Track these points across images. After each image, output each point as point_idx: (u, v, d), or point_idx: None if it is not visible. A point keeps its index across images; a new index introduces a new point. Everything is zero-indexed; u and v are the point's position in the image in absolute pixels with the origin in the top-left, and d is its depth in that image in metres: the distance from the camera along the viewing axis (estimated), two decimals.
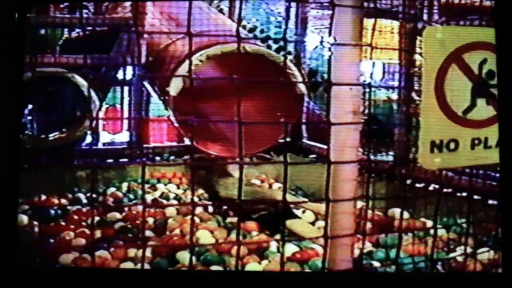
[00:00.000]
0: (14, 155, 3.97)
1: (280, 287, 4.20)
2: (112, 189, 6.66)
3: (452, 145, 4.05)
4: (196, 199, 5.89)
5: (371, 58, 4.20)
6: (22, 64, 4.12)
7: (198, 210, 5.83)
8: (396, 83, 6.59)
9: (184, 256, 4.78)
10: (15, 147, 3.99)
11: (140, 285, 4.22)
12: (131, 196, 6.50)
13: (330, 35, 4.03)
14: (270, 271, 4.60)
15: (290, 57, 6.89)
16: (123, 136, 7.35)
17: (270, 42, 6.88)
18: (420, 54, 4.25)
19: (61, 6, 7.68)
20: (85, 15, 7.30)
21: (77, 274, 4.38)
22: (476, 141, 4.08)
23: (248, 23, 7.66)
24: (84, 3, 7.52)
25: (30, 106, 6.44)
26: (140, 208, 4.95)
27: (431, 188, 5.39)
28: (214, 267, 4.74)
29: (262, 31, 7.64)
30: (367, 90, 4.21)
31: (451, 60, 4.02)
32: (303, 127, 7.17)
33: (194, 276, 4.42)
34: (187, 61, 5.99)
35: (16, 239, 4.04)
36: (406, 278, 4.36)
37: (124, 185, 6.78)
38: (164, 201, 6.39)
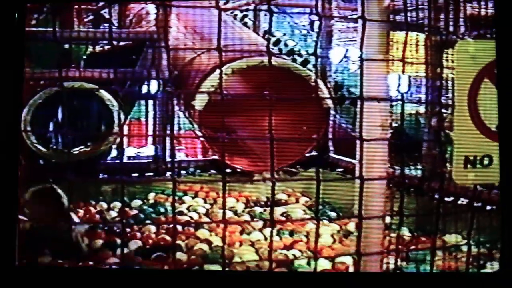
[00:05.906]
0: (14, 156, 3.95)
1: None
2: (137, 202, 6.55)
3: (486, 161, 3.98)
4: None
5: (401, 71, 4.17)
6: (22, 65, 4.07)
7: None
8: (422, 96, 6.54)
9: None
10: (15, 149, 3.97)
11: (141, 285, 4.20)
12: (161, 209, 6.37)
13: (360, 48, 3.99)
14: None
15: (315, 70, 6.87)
16: (148, 150, 7.36)
17: (295, 55, 6.87)
18: (448, 67, 4.20)
19: (85, 20, 7.73)
20: (108, 29, 7.33)
21: (77, 274, 4.36)
22: None
23: (273, 36, 7.67)
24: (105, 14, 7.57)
25: (55, 120, 6.45)
26: None
27: (460, 202, 5.33)
28: None
29: (286, 45, 7.64)
30: (395, 103, 4.17)
31: (483, 75, 3.97)
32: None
33: (194, 276, 4.41)
34: (212, 75, 6.00)
35: (15, 240, 4.02)
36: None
37: (151, 197, 6.68)
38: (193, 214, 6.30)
